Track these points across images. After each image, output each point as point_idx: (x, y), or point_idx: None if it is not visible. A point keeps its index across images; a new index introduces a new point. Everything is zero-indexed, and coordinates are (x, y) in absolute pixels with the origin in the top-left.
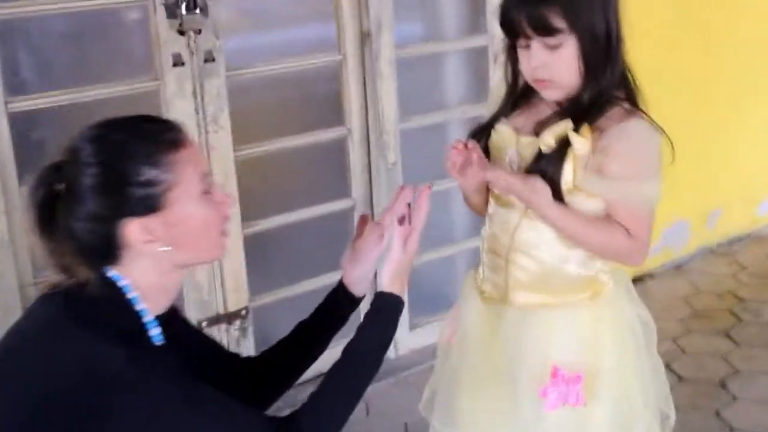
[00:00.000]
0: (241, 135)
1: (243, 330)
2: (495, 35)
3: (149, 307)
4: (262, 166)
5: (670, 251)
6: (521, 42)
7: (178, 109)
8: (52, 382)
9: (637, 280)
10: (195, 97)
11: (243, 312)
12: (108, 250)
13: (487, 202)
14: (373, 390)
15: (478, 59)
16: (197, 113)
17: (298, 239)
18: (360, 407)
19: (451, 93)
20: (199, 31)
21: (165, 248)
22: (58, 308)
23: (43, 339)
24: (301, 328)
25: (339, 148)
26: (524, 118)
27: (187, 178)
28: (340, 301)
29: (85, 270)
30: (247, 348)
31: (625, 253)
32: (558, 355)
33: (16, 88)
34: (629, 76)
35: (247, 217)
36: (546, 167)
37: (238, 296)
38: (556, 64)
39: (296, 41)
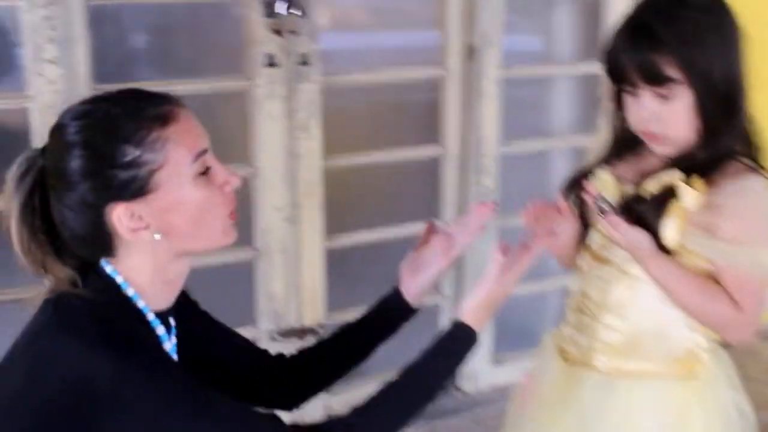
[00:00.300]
0: (331, 144)
1: None
2: None
3: (151, 303)
4: (350, 178)
5: None
6: (628, 88)
7: (268, 111)
8: (41, 398)
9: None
10: (286, 101)
11: (318, 328)
12: (100, 239)
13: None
14: (445, 424)
15: (590, 86)
16: (287, 118)
17: (382, 258)
18: None
19: (557, 119)
20: (296, 33)
21: (157, 236)
22: (49, 315)
23: (32, 350)
24: (346, 331)
25: (432, 167)
26: (629, 168)
27: (176, 158)
28: (393, 309)
29: (60, 267)
30: None
31: (726, 324)
32: None
33: (107, 77)
34: (750, 129)
35: (330, 229)
36: (644, 213)
37: (313, 311)
38: (669, 117)
39: (396, 48)
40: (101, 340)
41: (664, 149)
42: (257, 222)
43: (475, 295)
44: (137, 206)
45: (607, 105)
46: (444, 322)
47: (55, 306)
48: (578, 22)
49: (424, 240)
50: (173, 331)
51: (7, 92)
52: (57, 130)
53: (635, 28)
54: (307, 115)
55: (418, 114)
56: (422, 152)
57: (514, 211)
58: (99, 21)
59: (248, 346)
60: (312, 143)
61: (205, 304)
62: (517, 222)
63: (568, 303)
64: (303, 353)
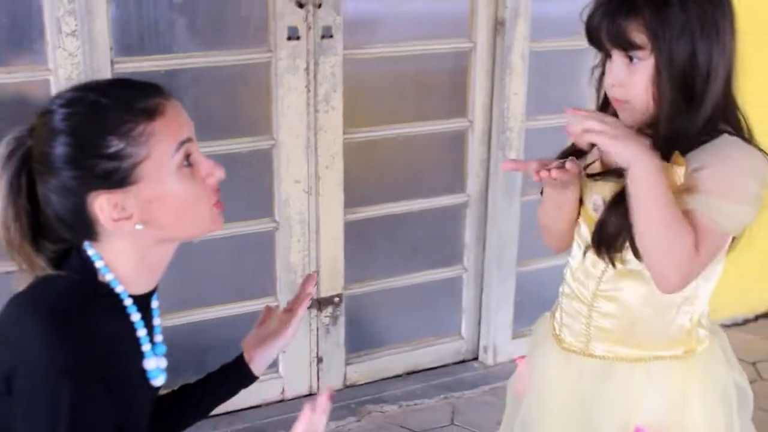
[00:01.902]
0: (352, 116)
1: (334, 318)
2: None
3: (132, 287)
4: (372, 152)
5: None
6: (604, 53)
7: (289, 84)
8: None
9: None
10: (308, 74)
11: (336, 299)
12: (82, 224)
13: (569, 235)
14: (462, 396)
15: None
16: (308, 91)
17: (404, 231)
18: (445, 412)
19: (586, 93)
20: (320, 5)
21: (138, 227)
22: (19, 296)
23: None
24: (187, 391)
25: (458, 141)
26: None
27: (161, 151)
28: (237, 374)
29: (34, 254)
30: (337, 336)
31: (674, 259)
32: (642, 413)
33: (127, 49)
34: (737, 115)
35: (350, 202)
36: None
37: (333, 282)
38: (631, 83)
39: (423, 17)
40: (57, 329)
41: (628, 116)
42: (277, 194)
43: (271, 347)
44: (120, 196)
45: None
46: (466, 294)
47: (34, 284)
48: None
49: (261, 321)
50: (156, 312)
51: (29, 65)
52: (44, 115)
53: None
54: (329, 88)
55: (445, 88)
56: (448, 125)
57: (537, 185)
58: None
59: None
60: (333, 116)
61: (224, 274)
62: (539, 196)
63: (562, 290)
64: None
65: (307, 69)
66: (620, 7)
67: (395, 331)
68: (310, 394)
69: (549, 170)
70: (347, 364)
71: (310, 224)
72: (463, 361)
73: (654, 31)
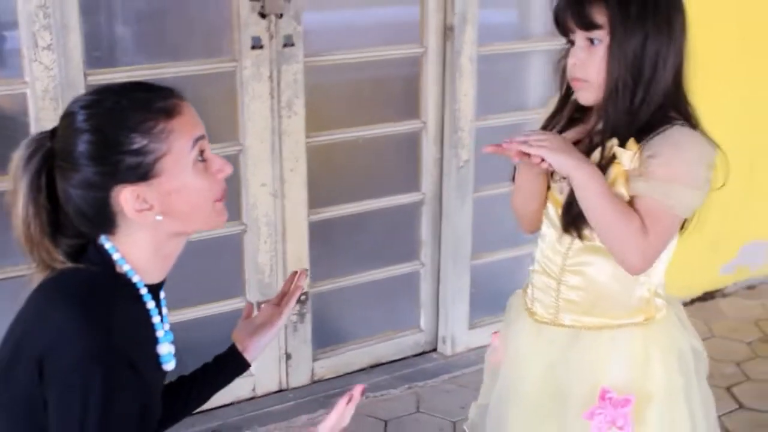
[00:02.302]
0: (314, 121)
1: (301, 315)
2: None
3: (145, 277)
4: (333, 154)
5: (744, 270)
6: (568, 36)
7: (254, 92)
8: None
9: (707, 297)
10: (271, 81)
11: (302, 297)
12: (103, 217)
13: (539, 217)
14: (425, 385)
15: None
16: (272, 97)
17: (364, 230)
18: (411, 401)
19: (531, 94)
20: (281, 16)
21: (159, 217)
22: (47, 280)
23: (28, 310)
24: (186, 381)
25: (412, 142)
26: (575, 135)
27: (178, 147)
28: (232, 363)
29: (53, 250)
30: (305, 333)
31: (630, 245)
32: (608, 377)
33: (97, 62)
34: (687, 105)
35: (314, 203)
36: None
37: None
38: (590, 63)
39: (377, 24)
40: (86, 316)
41: (584, 96)
42: (245, 197)
43: (265, 336)
44: (142, 189)
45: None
46: (424, 289)
47: (57, 274)
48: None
49: (246, 315)
50: (164, 302)
51: (6, 79)
52: (66, 118)
53: None
54: (292, 95)
55: (399, 91)
56: (403, 127)
57: (489, 182)
58: (91, 8)
59: None
60: (296, 121)
61: (196, 276)
62: (490, 192)
63: (533, 267)
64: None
65: (270, 77)
66: None
67: (358, 326)
68: (280, 390)
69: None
70: (314, 360)
71: (277, 226)
72: (423, 353)
73: (613, 14)
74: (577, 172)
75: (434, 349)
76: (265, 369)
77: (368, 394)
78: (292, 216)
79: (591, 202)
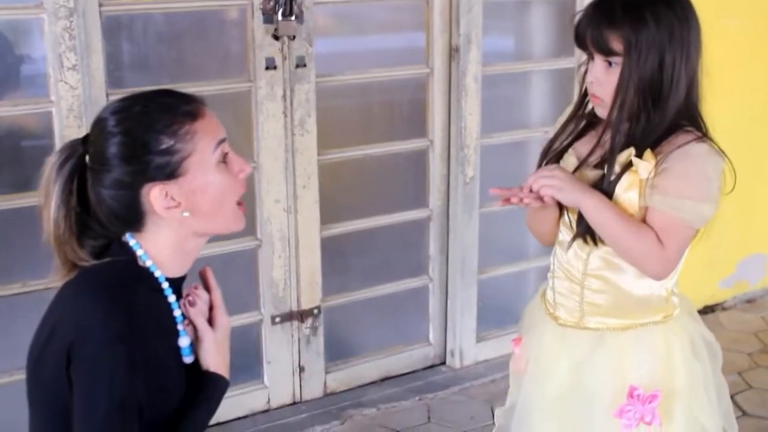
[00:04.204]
0: (325, 140)
1: (314, 329)
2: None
3: (166, 272)
4: (344, 171)
5: (743, 284)
6: (587, 54)
7: (268, 111)
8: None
9: (708, 311)
10: (284, 100)
11: (315, 311)
12: (133, 215)
13: (555, 232)
14: (435, 397)
15: (564, 81)
16: (285, 116)
17: (374, 245)
18: (422, 412)
19: (534, 112)
20: (293, 37)
21: (185, 214)
22: (70, 282)
23: (57, 303)
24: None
25: (419, 159)
26: (588, 146)
27: (203, 147)
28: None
29: (79, 250)
30: (317, 346)
31: (649, 257)
32: (634, 375)
33: (118, 81)
34: (697, 116)
35: (326, 219)
36: (609, 189)
37: (311, 295)
38: (607, 83)
39: (385, 49)
40: (111, 302)
41: (601, 111)
42: (259, 213)
43: (206, 349)
44: (170, 187)
45: (579, 74)
46: (433, 303)
47: (82, 271)
48: (551, 22)
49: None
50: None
51: (33, 98)
52: (98, 123)
53: (600, 5)
54: (304, 113)
55: (407, 111)
56: (411, 145)
57: (494, 198)
58: (113, 30)
59: None
60: (308, 139)
61: None
62: (496, 208)
63: (553, 272)
64: None
65: (284, 96)
66: (604, 18)
67: (369, 339)
68: (294, 403)
69: (521, 199)
70: (327, 372)
71: (290, 241)
72: (432, 366)
73: (628, 42)
74: (586, 203)
75: (443, 363)
76: (280, 382)
77: (380, 406)
78: (305, 231)
79: (603, 227)
